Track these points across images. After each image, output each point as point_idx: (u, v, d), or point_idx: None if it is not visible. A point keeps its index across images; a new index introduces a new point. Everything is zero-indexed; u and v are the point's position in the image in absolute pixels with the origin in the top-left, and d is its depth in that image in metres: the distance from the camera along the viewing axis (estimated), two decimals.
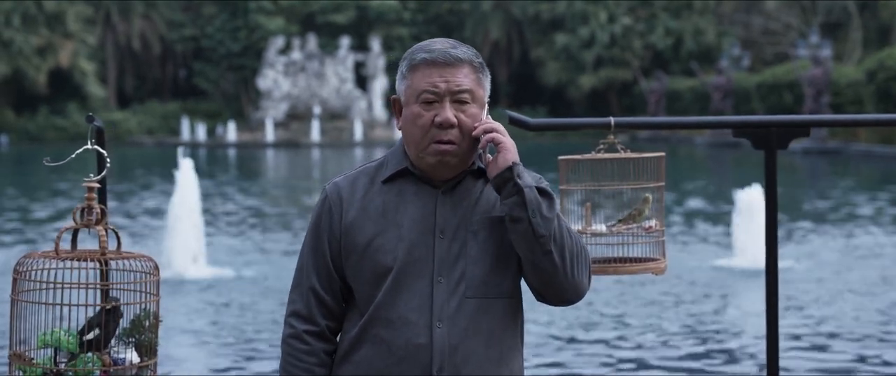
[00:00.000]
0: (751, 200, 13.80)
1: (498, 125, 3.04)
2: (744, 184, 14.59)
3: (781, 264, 12.68)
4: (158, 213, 19.13)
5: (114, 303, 3.16)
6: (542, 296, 3.10)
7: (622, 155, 3.67)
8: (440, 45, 3.08)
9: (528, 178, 3.03)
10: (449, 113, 3.03)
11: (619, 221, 3.72)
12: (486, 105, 3.11)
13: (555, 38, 57.29)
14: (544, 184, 3.06)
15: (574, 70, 57.19)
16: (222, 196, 23.75)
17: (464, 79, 3.05)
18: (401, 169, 3.12)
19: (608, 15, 56.56)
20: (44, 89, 54.23)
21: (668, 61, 56.90)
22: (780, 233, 14.35)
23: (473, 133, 3.04)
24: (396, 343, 3.04)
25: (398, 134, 3.18)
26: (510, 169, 3.00)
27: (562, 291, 3.06)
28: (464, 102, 3.04)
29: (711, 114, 45.65)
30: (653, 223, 3.72)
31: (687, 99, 51.14)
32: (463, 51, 3.07)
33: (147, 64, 61.82)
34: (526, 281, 3.10)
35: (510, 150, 3.02)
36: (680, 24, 56.60)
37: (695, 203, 21.24)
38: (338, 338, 3.18)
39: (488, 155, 3.07)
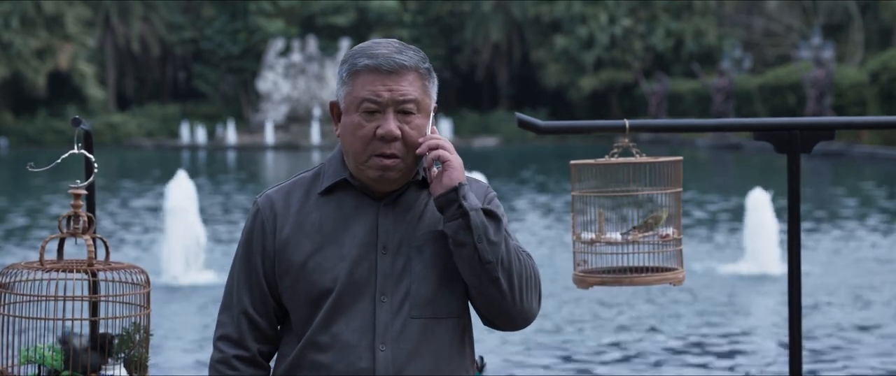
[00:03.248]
0: (759, 204, 13.68)
1: (444, 140, 2.83)
2: (748, 187, 14.45)
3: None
4: (156, 216, 18.97)
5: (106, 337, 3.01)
6: (489, 321, 2.90)
7: (637, 159, 3.49)
8: (384, 49, 2.85)
9: (474, 200, 2.81)
10: (392, 125, 2.82)
11: (634, 228, 3.54)
12: (432, 114, 2.89)
13: (555, 40, 57.17)
14: (494, 205, 2.85)
15: (574, 72, 57.06)
16: (221, 198, 23.61)
17: (408, 87, 2.83)
18: (339, 180, 2.91)
19: (608, 16, 56.44)
20: (43, 92, 54.09)
21: (669, 63, 56.77)
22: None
23: (418, 150, 2.83)
24: (336, 368, 2.83)
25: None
26: (455, 190, 2.78)
27: (509, 319, 2.87)
28: (408, 113, 2.83)
29: (713, 116, 45.53)
30: (670, 231, 3.54)
31: (688, 101, 50.98)
32: (408, 56, 2.84)
33: (146, 66, 61.69)
34: (472, 304, 2.90)
35: (456, 169, 2.81)
36: (680, 26, 56.47)
37: (700, 206, 21.08)
38: (272, 362, 2.98)
39: (435, 168, 2.84)
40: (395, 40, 2.90)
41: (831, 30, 51.70)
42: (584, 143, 45.20)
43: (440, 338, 2.86)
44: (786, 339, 9.53)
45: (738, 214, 16.69)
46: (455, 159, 2.82)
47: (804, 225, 17.62)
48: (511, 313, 2.85)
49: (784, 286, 12.12)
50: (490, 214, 2.82)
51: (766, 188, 14.07)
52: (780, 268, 13.01)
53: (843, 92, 39.41)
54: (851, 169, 31.47)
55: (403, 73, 2.83)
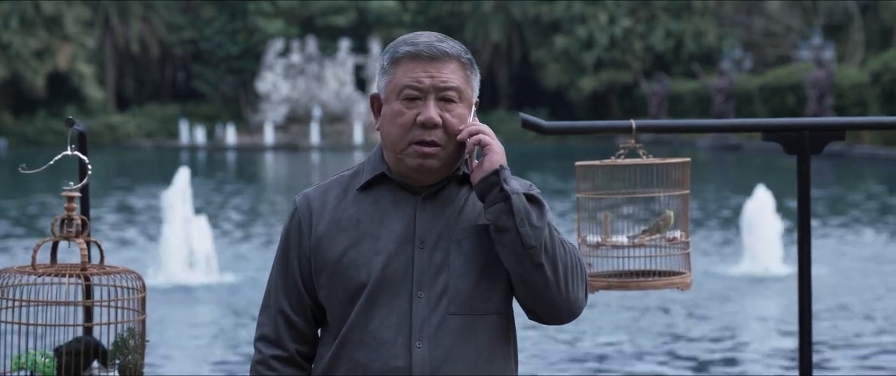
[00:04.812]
0: (759, 205, 13.62)
1: (485, 127, 2.78)
2: (749, 188, 14.40)
3: (792, 270, 12.46)
4: (156, 218, 18.90)
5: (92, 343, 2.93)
6: (534, 314, 2.83)
7: (645, 160, 3.42)
8: (426, 38, 2.82)
9: (516, 184, 2.76)
10: (433, 111, 2.77)
11: (643, 232, 3.46)
12: (474, 106, 2.84)
13: (555, 40, 57.12)
14: (534, 191, 2.79)
15: (574, 72, 57.01)
16: (221, 199, 23.55)
17: (451, 75, 2.79)
18: (377, 174, 2.86)
19: (608, 17, 56.39)
20: (42, 92, 54.02)
21: (669, 63, 56.71)
22: (793, 237, 14.17)
23: (458, 136, 2.77)
24: (372, 366, 2.78)
25: (378, 136, 2.92)
26: (496, 173, 2.73)
27: (554, 309, 2.79)
28: (450, 101, 2.78)
29: (713, 116, 45.46)
30: (677, 234, 3.46)
31: (688, 101, 50.91)
32: (450, 45, 2.81)
33: (146, 66, 61.63)
34: (516, 297, 2.83)
35: (497, 153, 2.75)
36: (680, 26, 56.40)
37: (700, 207, 21.02)
38: (314, 363, 2.93)
39: (475, 159, 2.79)
40: (436, 32, 2.87)
41: (831, 30, 51.63)
42: (585, 144, 45.14)
43: (480, 336, 2.80)
44: (789, 339, 9.46)
45: (739, 214, 16.63)
46: (496, 144, 2.77)
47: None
48: (556, 302, 2.78)
49: (785, 286, 12.06)
50: (532, 199, 2.76)
51: (767, 188, 14.01)
52: (781, 267, 12.97)
53: (843, 92, 39.33)
54: (852, 169, 31.42)
55: (445, 61, 2.80)
